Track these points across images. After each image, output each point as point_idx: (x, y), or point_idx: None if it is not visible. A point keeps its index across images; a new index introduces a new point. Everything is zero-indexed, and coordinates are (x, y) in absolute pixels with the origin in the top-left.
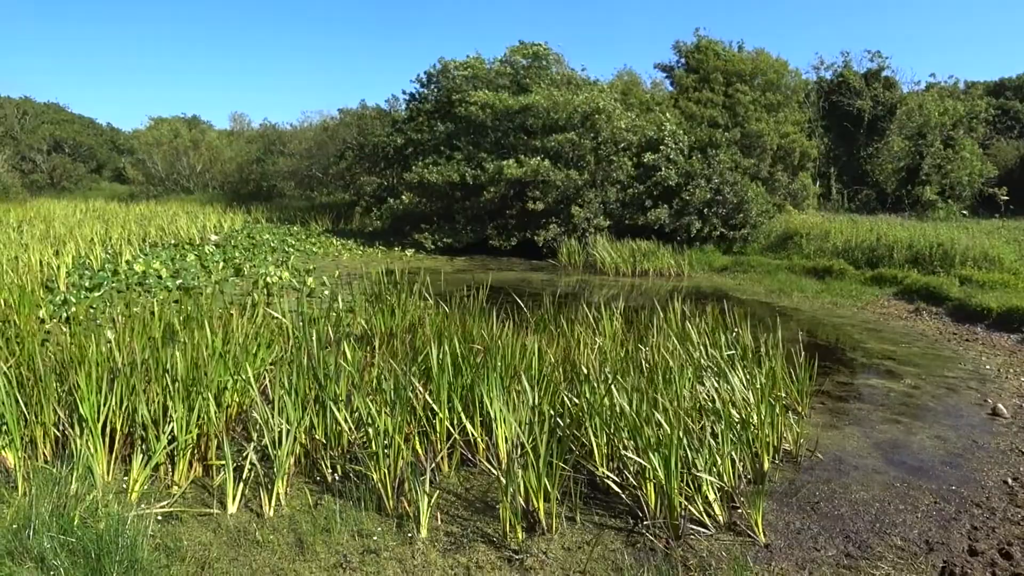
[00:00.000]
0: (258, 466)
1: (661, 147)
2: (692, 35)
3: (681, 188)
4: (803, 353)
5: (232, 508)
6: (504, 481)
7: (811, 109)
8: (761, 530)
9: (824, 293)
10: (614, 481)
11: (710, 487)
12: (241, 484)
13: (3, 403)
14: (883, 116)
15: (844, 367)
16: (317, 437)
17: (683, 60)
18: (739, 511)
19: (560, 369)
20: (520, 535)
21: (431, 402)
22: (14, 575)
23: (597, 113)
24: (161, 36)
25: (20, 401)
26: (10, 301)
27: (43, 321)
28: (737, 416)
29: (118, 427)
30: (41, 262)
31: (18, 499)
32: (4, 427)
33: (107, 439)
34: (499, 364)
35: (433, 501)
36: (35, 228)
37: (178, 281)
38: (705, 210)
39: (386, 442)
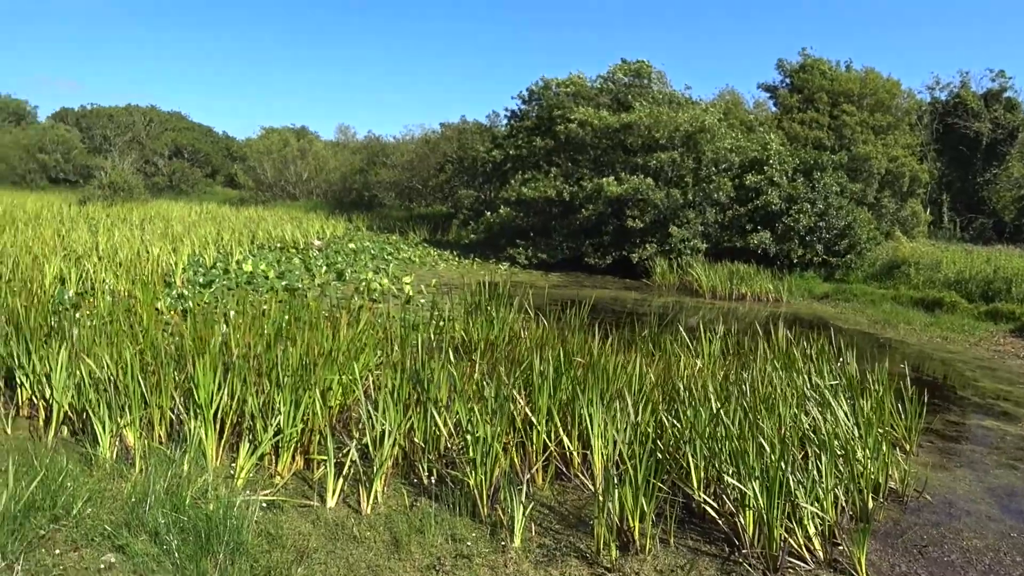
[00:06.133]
0: (358, 464)
1: (765, 168)
2: (797, 54)
3: (784, 212)
4: (910, 388)
5: (331, 502)
6: (601, 497)
7: (923, 132)
8: (864, 570)
9: (933, 326)
10: (711, 506)
11: (811, 520)
12: (341, 480)
13: (128, 385)
14: (1003, 140)
15: (954, 405)
16: (416, 440)
17: (787, 80)
18: (840, 548)
19: (660, 389)
20: (613, 553)
21: (529, 413)
22: (130, 546)
23: (701, 132)
24: (275, 52)
25: (142, 384)
26: (134, 292)
27: (160, 312)
28: (841, 449)
29: (228, 416)
30: (160, 258)
31: (135, 476)
32: (128, 407)
33: (217, 426)
34: (600, 379)
35: (527, 512)
36: (155, 226)
37: (283, 282)
38: (808, 236)
39: (484, 449)
